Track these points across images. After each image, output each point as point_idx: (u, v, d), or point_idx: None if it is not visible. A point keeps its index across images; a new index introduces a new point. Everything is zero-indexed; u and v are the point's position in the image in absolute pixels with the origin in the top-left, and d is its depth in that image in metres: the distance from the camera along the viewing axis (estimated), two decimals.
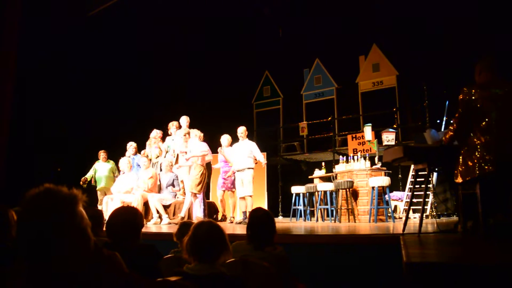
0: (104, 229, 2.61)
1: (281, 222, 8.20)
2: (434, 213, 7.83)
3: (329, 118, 10.80)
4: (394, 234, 4.18)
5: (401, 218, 7.95)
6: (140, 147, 8.76)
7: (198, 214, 6.96)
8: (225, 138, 7.72)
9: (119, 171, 8.47)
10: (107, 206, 7.51)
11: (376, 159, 7.58)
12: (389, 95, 10.89)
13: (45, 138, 9.78)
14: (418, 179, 8.06)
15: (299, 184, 8.55)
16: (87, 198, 1.42)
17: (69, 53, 9.97)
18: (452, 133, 3.60)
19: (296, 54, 12.08)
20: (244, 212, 7.13)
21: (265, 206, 9.54)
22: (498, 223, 3.29)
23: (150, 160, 8.24)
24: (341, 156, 8.33)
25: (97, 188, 8.62)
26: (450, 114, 8.50)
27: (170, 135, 8.50)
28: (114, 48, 10.53)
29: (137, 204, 7.21)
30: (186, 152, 7.40)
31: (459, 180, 3.45)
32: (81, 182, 8.32)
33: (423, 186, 4.98)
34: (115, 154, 8.84)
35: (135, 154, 8.52)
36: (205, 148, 7.36)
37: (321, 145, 11.12)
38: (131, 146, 8.56)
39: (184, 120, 8.24)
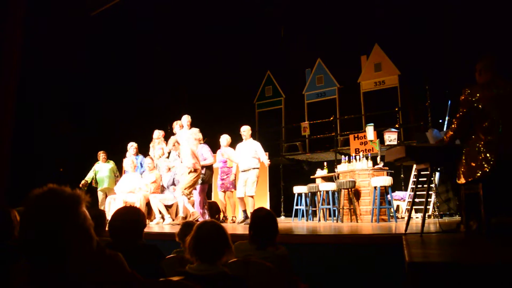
0: (106, 229, 2.61)
1: (283, 222, 8.20)
2: (437, 213, 7.82)
3: (331, 118, 10.80)
4: (396, 234, 4.18)
5: (403, 218, 7.93)
6: (141, 147, 8.76)
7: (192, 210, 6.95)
8: (224, 138, 7.71)
9: (120, 171, 8.47)
10: (110, 206, 7.52)
11: (378, 159, 7.57)
12: (391, 94, 10.88)
13: (47, 138, 9.80)
14: (420, 179, 8.06)
15: (301, 184, 8.54)
16: (90, 198, 1.42)
17: (70, 53, 9.98)
18: (452, 133, 3.60)
19: (298, 54, 12.08)
20: (244, 211, 7.10)
21: (267, 206, 9.53)
22: (500, 223, 3.29)
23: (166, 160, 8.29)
24: (343, 156, 8.32)
25: (99, 189, 8.62)
26: (452, 114, 8.46)
27: (175, 134, 8.49)
28: (115, 48, 10.55)
29: (140, 204, 7.22)
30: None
31: (462, 180, 3.44)
32: (80, 185, 8.31)
33: (425, 185, 4.98)
34: (115, 155, 8.86)
35: (136, 154, 8.51)
36: (209, 154, 7.43)
37: (323, 145, 11.12)
38: (132, 146, 8.55)
39: (185, 119, 8.20)
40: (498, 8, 8.22)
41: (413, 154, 3.90)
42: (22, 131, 8.41)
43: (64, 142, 10.03)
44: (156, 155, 8.41)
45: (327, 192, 7.68)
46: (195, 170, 6.94)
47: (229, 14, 11.17)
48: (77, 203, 1.36)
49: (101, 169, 8.72)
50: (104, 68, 10.50)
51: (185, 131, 8.10)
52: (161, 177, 8.05)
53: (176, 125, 8.42)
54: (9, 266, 1.40)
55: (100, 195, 8.60)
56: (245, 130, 7.33)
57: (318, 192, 8.02)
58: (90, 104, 10.54)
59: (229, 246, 2.08)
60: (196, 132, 7.88)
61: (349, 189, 7.18)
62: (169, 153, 8.46)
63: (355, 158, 7.66)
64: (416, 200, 7.83)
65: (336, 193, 7.68)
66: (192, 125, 8.20)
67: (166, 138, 8.72)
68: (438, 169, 4.63)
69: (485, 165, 3.24)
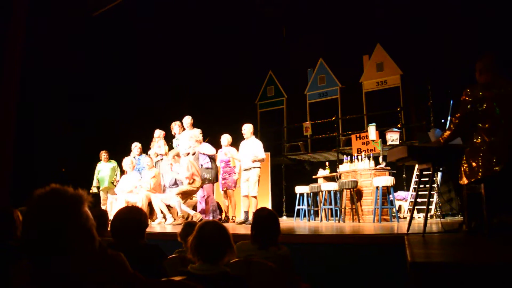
0: (108, 229, 2.62)
1: (285, 222, 8.20)
2: (439, 213, 7.80)
3: (333, 118, 10.79)
4: (398, 234, 4.18)
5: (406, 218, 7.92)
6: (144, 147, 8.78)
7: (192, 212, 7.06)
8: (225, 138, 7.71)
9: (121, 170, 8.50)
10: (112, 206, 7.53)
11: (380, 158, 7.56)
12: (393, 94, 10.87)
13: (47, 138, 9.82)
14: (422, 179, 8.03)
15: (303, 184, 8.54)
16: (92, 198, 1.43)
17: (71, 53, 10.00)
18: (450, 133, 3.57)
19: (299, 53, 12.07)
20: (246, 212, 7.11)
21: (269, 206, 9.53)
22: (503, 223, 3.28)
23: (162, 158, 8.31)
24: (345, 156, 8.31)
25: (100, 188, 8.66)
26: (455, 114, 8.45)
27: (174, 135, 8.50)
28: (115, 48, 10.57)
29: (142, 204, 7.23)
30: (188, 154, 7.49)
31: (464, 181, 3.43)
32: (92, 191, 8.48)
33: (427, 186, 4.97)
34: (117, 155, 8.88)
35: (139, 154, 8.55)
36: (209, 148, 7.46)
37: (325, 145, 11.12)
38: (136, 146, 8.58)
39: (186, 120, 8.21)
40: (499, 6, 8.20)
41: (415, 154, 3.90)
42: (22, 131, 8.43)
43: (66, 142, 10.05)
44: (152, 154, 8.44)
45: (329, 192, 7.68)
46: (193, 181, 7.08)
47: (231, 14, 11.17)
48: (80, 203, 1.36)
49: (103, 168, 8.77)
50: (105, 68, 10.51)
51: (187, 132, 8.12)
52: (162, 176, 8.07)
53: (175, 125, 8.44)
54: (10, 266, 1.41)
55: (101, 194, 8.63)
56: (246, 128, 7.32)
57: (320, 192, 8.02)
58: (90, 104, 10.55)
59: (231, 246, 2.08)
60: (197, 134, 7.90)
61: (351, 189, 7.17)
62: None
63: (357, 158, 7.65)
64: (418, 200, 7.81)
65: (338, 193, 7.67)
66: (194, 125, 8.21)
67: (167, 138, 8.73)
68: (440, 169, 4.62)
69: (487, 166, 3.23)
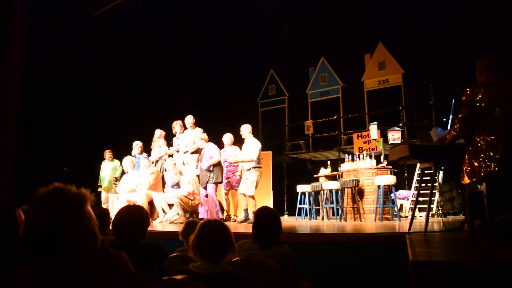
0: (110, 228, 2.62)
1: (286, 221, 8.20)
2: (440, 212, 7.80)
3: (335, 117, 10.77)
4: (400, 233, 4.18)
5: (407, 217, 7.92)
6: (145, 146, 8.80)
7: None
8: (227, 137, 7.72)
9: (123, 170, 8.52)
10: (113, 205, 7.54)
11: (382, 157, 7.56)
12: (395, 93, 10.84)
13: (49, 138, 9.83)
14: (424, 178, 8.03)
15: (304, 183, 8.54)
16: (95, 197, 1.43)
17: (72, 52, 10.00)
18: (455, 134, 3.57)
19: (301, 52, 12.06)
20: (245, 210, 7.14)
21: (270, 204, 9.54)
22: (504, 222, 3.27)
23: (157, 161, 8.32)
24: (346, 155, 8.32)
25: (101, 187, 8.69)
26: (456, 113, 8.44)
27: (175, 134, 8.51)
28: (116, 48, 10.56)
29: (142, 203, 7.24)
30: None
31: (466, 180, 3.43)
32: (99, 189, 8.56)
33: (429, 184, 4.96)
34: (119, 154, 8.90)
35: (140, 153, 8.57)
36: (215, 151, 7.52)
37: (327, 144, 11.10)
38: (137, 145, 8.61)
39: (188, 120, 8.22)
40: (499, 6, 8.18)
41: (417, 153, 3.90)
42: (23, 131, 8.45)
43: (67, 142, 10.07)
44: (154, 158, 8.46)
45: (331, 191, 7.68)
46: (194, 199, 7.21)
47: (233, 13, 11.16)
48: (82, 202, 1.36)
49: (105, 167, 8.82)
50: (106, 68, 10.52)
51: (188, 131, 8.13)
52: (163, 174, 8.09)
53: (176, 124, 8.45)
54: (13, 265, 1.41)
55: (103, 193, 8.66)
56: (243, 129, 7.37)
57: (322, 191, 8.02)
58: (90, 104, 10.55)
59: (232, 245, 2.09)
60: (199, 133, 7.90)
61: (353, 188, 7.18)
62: (170, 155, 8.51)
63: (359, 157, 7.65)
64: (420, 199, 7.80)
65: (339, 192, 7.68)
66: (196, 124, 8.22)
67: (167, 138, 8.75)
68: (442, 168, 4.62)
69: (489, 165, 3.23)
